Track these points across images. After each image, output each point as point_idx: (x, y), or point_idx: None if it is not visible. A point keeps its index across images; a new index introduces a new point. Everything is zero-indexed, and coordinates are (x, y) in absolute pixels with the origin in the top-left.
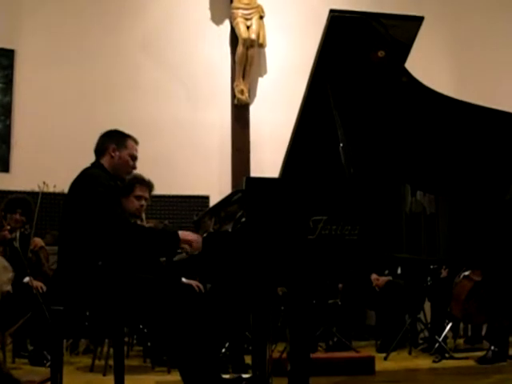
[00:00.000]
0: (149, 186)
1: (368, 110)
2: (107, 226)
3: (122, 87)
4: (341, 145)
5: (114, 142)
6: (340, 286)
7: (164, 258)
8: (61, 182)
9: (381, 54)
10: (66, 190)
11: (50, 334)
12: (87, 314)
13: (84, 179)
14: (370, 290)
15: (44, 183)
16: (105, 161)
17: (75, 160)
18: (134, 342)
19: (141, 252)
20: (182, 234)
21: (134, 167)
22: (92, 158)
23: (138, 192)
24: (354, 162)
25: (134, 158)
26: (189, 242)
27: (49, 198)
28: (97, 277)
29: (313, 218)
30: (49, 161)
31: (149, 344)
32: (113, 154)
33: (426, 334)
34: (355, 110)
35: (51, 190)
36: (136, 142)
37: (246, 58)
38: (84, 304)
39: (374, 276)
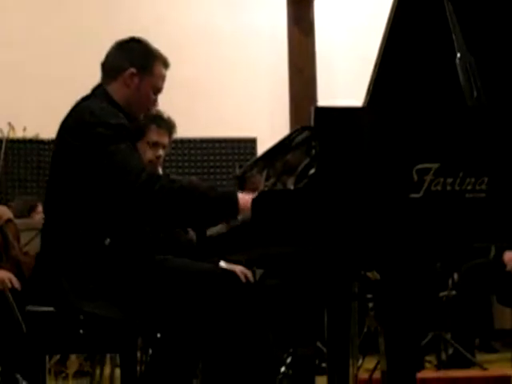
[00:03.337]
0: (169, 127)
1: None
2: (121, 188)
3: None
4: (458, 56)
5: (136, 62)
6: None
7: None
8: (33, 123)
9: None
10: (41, 134)
11: (25, 348)
12: (81, 318)
13: (79, 116)
14: (503, 276)
15: (10, 125)
16: (114, 88)
17: (53, 95)
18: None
19: (178, 225)
20: (243, 197)
21: (155, 104)
22: (80, 93)
23: (154, 136)
24: (479, 83)
25: (158, 91)
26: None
27: (16, 147)
28: (101, 262)
29: (417, 167)
30: (16, 96)
31: None
32: (129, 82)
33: None
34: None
35: (19, 134)
36: (166, 64)
37: None
38: (76, 304)
39: (508, 255)
